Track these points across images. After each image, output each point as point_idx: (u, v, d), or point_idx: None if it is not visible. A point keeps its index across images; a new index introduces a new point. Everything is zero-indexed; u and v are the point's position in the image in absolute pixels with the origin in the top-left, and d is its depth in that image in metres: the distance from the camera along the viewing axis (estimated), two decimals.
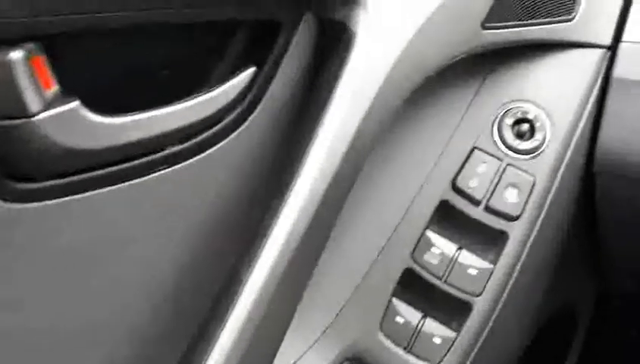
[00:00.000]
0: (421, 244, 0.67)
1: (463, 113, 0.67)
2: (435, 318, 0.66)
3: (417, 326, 0.66)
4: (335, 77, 0.53)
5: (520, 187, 0.66)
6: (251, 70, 0.51)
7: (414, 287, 0.67)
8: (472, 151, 0.66)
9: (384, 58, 0.54)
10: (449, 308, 0.66)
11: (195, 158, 0.49)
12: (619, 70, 0.64)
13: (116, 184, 0.46)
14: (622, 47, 0.64)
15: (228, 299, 0.51)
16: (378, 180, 0.67)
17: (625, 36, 0.64)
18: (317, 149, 0.52)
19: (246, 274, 0.51)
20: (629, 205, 0.70)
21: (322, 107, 0.52)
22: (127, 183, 0.47)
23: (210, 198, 0.52)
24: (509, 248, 0.66)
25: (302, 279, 0.56)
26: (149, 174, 0.47)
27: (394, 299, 0.67)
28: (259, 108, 0.52)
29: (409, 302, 0.67)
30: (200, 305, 0.52)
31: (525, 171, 0.66)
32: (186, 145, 0.48)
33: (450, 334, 0.66)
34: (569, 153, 0.66)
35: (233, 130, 0.51)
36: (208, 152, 0.50)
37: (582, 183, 0.68)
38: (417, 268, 0.67)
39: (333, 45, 0.54)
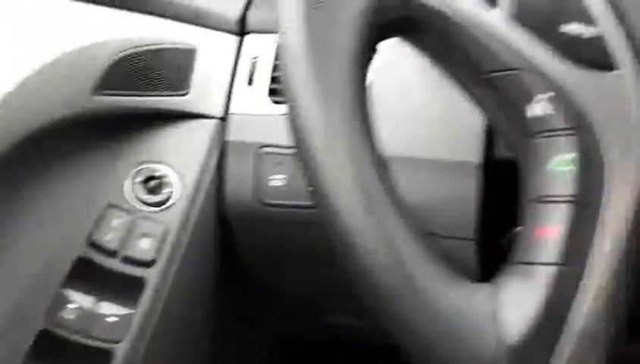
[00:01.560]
0: (56, 302, 0.66)
1: (97, 173, 0.72)
2: None
3: None
4: None
5: (153, 236, 0.71)
6: None
7: (49, 349, 0.65)
8: (107, 208, 0.71)
9: None
10: (90, 361, 0.65)
11: None
12: (230, 136, 0.76)
13: None
14: (230, 118, 0.77)
15: None
16: (8, 245, 0.66)
17: (232, 109, 0.77)
18: None
19: None
20: (262, 248, 0.78)
21: None
22: None
23: None
24: (148, 293, 0.69)
25: None
26: None
27: None
28: None
29: None
30: None
31: (157, 221, 0.72)
32: None
33: None
34: (198, 204, 0.74)
35: None
36: None
37: (219, 230, 0.76)
38: (52, 328, 0.66)
39: None
